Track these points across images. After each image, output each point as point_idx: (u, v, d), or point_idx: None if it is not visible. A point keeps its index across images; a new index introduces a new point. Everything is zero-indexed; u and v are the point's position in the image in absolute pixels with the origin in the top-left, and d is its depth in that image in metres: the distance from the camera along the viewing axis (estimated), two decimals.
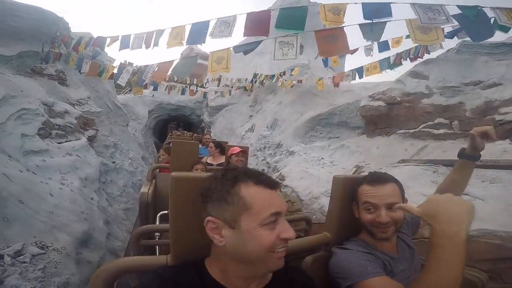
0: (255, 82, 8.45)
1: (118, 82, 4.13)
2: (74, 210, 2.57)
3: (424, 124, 3.56)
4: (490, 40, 3.47)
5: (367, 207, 0.93)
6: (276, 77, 7.49)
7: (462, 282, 0.99)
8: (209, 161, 3.50)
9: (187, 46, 3.14)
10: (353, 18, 2.69)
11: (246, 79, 8.67)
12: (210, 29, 2.79)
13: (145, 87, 5.64)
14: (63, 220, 2.33)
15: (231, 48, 2.99)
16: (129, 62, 5.62)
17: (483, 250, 1.75)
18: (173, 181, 0.73)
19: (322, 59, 5.76)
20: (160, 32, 3.28)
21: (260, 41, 2.93)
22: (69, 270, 1.93)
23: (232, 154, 2.77)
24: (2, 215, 1.92)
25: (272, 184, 0.61)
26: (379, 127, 4.28)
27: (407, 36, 4.13)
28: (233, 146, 3.07)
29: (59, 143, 3.48)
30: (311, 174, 4.50)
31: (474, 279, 1.05)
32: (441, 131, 3.40)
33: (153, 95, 12.69)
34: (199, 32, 2.83)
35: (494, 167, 2.46)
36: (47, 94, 4.02)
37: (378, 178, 0.96)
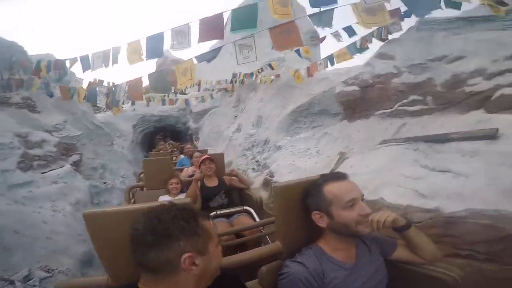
0: (235, 82, 8.48)
1: (98, 105, 4.06)
2: (71, 233, 2.65)
3: (400, 103, 3.64)
4: (445, 15, 3.57)
5: (350, 204, 0.88)
6: (255, 75, 7.55)
7: (430, 280, 0.92)
8: (193, 172, 3.51)
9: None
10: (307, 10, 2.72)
11: (226, 80, 8.70)
12: (167, 41, 2.74)
13: (123, 102, 5.57)
14: (62, 244, 2.42)
15: (193, 58, 2.95)
16: (99, 80, 5.46)
17: (473, 232, 1.64)
18: (86, 219, 0.79)
19: (296, 50, 5.85)
20: (117, 49, 3.23)
21: (221, 47, 2.91)
22: None
23: (200, 164, 2.78)
24: (3, 246, 2.00)
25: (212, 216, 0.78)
26: (357, 111, 4.38)
27: None
28: (204, 155, 3.14)
29: (42, 173, 3.47)
30: (298, 166, 4.54)
31: (444, 276, 0.90)
32: (417, 107, 3.47)
33: (134, 109, 12.50)
34: (155, 45, 2.77)
35: (470, 139, 2.42)
36: (19, 124, 3.89)
37: (341, 174, 0.96)
